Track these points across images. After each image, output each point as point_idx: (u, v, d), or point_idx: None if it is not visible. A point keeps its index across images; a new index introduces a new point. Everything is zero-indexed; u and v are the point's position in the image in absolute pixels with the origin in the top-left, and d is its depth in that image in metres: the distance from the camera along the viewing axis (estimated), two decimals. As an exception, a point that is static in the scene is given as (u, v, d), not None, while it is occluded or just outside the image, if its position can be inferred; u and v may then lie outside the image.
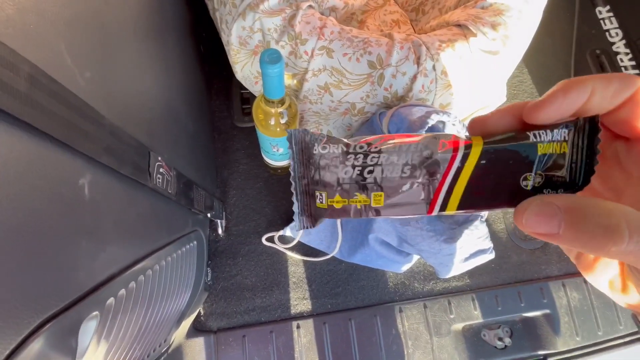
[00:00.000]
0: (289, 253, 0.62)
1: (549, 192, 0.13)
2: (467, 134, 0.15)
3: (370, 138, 0.15)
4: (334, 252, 0.60)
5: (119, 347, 0.29)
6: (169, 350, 0.49)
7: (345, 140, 0.15)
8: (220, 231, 0.62)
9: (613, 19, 0.66)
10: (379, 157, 0.14)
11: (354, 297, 0.61)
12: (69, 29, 0.22)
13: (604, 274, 0.14)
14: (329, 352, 0.58)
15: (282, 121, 0.46)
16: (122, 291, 0.27)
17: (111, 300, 0.25)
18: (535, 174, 0.13)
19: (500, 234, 0.67)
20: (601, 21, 0.67)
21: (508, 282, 0.64)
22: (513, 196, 0.13)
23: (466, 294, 0.62)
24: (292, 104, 0.45)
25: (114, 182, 0.26)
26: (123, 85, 0.29)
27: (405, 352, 0.59)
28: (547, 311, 0.62)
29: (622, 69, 0.65)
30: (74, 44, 0.22)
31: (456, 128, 0.45)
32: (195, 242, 0.47)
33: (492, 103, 0.56)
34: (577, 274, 0.65)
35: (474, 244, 0.45)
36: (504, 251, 0.65)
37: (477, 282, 0.63)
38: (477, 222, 0.44)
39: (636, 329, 0.62)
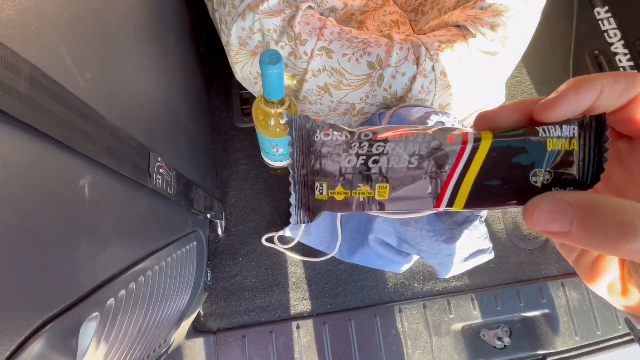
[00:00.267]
0: (289, 253, 0.62)
1: (557, 190, 0.13)
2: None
3: (376, 127, 0.14)
4: (334, 253, 0.60)
5: (119, 348, 0.29)
6: (169, 351, 0.49)
7: (349, 127, 0.14)
8: (220, 231, 0.62)
9: (611, 20, 0.66)
10: (385, 146, 0.14)
11: (354, 297, 0.61)
12: (69, 29, 0.22)
13: (604, 277, 0.14)
14: (328, 352, 0.58)
15: (282, 122, 0.46)
16: (122, 292, 0.27)
17: (111, 301, 0.25)
18: (545, 170, 0.13)
19: (500, 234, 0.67)
20: (600, 21, 0.67)
21: (507, 282, 0.64)
22: (522, 193, 0.13)
23: (465, 294, 0.62)
24: (291, 104, 0.46)
25: (114, 183, 0.26)
26: (123, 85, 0.29)
27: (405, 352, 0.59)
28: (546, 311, 0.62)
29: (621, 69, 0.65)
30: (74, 45, 0.22)
31: (455, 128, 0.45)
32: (195, 243, 0.47)
33: (491, 103, 0.57)
34: (576, 274, 0.65)
35: (473, 244, 0.45)
36: (503, 251, 0.65)
37: (477, 282, 0.64)
38: (476, 222, 0.44)
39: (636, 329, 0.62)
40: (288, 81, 0.52)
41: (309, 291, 0.61)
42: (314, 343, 0.58)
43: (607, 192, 0.14)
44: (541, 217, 0.12)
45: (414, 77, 0.48)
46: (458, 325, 0.61)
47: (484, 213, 0.49)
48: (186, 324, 0.54)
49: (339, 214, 0.54)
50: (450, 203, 0.14)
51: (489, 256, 0.46)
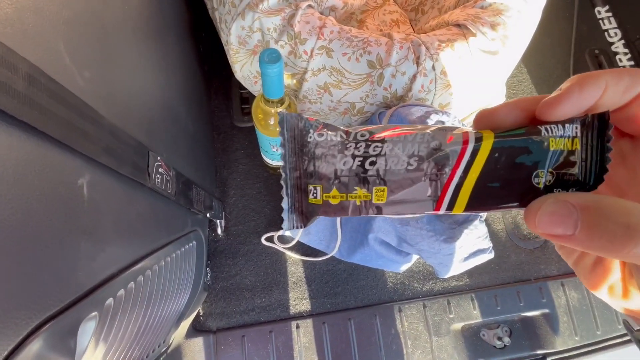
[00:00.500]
0: (289, 253, 0.62)
1: (560, 191, 0.13)
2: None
3: (372, 127, 0.13)
4: (334, 252, 0.60)
5: (117, 348, 0.29)
6: (168, 351, 0.49)
7: (345, 127, 0.14)
8: (219, 231, 0.62)
9: (612, 19, 0.66)
10: (382, 146, 0.13)
11: (354, 297, 0.61)
12: (68, 28, 0.22)
13: (604, 280, 0.14)
14: (328, 351, 0.58)
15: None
16: (121, 291, 0.27)
17: (110, 300, 0.25)
18: (547, 171, 0.13)
19: (500, 233, 0.67)
20: (600, 21, 0.67)
21: (507, 281, 0.64)
22: (524, 195, 0.13)
23: (465, 294, 0.62)
24: (291, 103, 0.45)
25: (113, 182, 0.26)
26: (122, 85, 0.29)
27: (405, 352, 0.59)
28: (546, 311, 0.62)
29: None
30: (73, 44, 0.22)
31: (456, 128, 0.45)
32: (194, 242, 0.47)
33: (491, 103, 0.56)
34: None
35: (473, 244, 0.45)
36: (503, 251, 0.65)
37: (477, 282, 0.64)
38: (476, 222, 0.44)
39: (636, 329, 0.62)
40: (288, 80, 0.52)
41: (309, 291, 0.61)
42: (314, 343, 0.58)
43: (608, 192, 0.14)
44: (544, 220, 0.11)
45: (414, 77, 0.48)
46: (458, 325, 0.61)
47: (484, 213, 0.49)
48: (186, 323, 0.54)
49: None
50: (450, 206, 0.13)
51: (489, 256, 0.46)
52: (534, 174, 0.13)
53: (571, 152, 0.12)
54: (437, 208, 0.13)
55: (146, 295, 0.32)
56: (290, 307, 0.60)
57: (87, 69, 0.23)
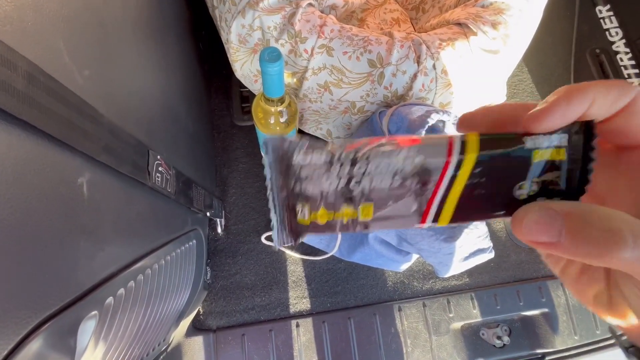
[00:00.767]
0: (289, 252, 0.62)
1: (544, 200, 0.13)
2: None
3: (356, 143, 0.13)
4: (334, 251, 0.60)
5: (117, 346, 0.29)
6: (168, 349, 0.49)
7: (329, 146, 0.13)
8: (219, 230, 0.62)
9: (613, 18, 0.66)
10: (367, 165, 0.13)
11: (353, 296, 0.61)
12: (68, 26, 0.21)
13: (590, 288, 0.14)
14: (328, 350, 0.58)
15: (282, 120, 0.45)
16: (121, 290, 0.27)
17: (110, 299, 0.25)
18: (531, 182, 0.13)
19: (500, 233, 0.67)
20: (601, 20, 0.67)
21: (507, 281, 0.64)
22: (508, 205, 0.13)
23: (465, 293, 0.62)
24: (291, 102, 0.45)
25: (113, 181, 0.26)
26: (122, 83, 0.29)
27: (404, 351, 0.59)
28: (546, 310, 0.62)
29: (622, 68, 0.65)
30: (72, 42, 0.22)
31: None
32: (194, 241, 0.47)
33: (492, 102, 0.56)
34: (575, 273, 0.65)
35: (473, 243, 0.45)
36: (503, 250, 0.65)
37: (476, 281, 0.64)
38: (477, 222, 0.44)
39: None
40: (288, 79, 0.52)
41: (309, 290, 0.61)
42: (314, 341, 0.58)
43: (591, 202, 0.14)
44: (529, 227, 0.11)
45: (414, 76, 0.48)
46: (457, 324, 0.61)
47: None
48: (186, 322, 0.54)
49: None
50: (435, 219, 0.13)
51: (489, 255, 0.46)
52: (518, 185, 0.13)
53: (556, 163, 0.13)
54: (423, 222, 0.13)
55: (146, 294, 0.32)
56: (290, 306, 0.60)
57: (86, 68, 0.23)
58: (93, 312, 0.23)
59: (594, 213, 0.11)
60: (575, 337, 0.61)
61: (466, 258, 0.46)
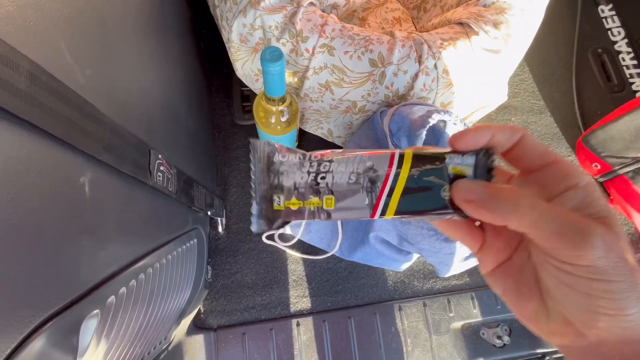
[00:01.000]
0: (289, 251, 0.62)
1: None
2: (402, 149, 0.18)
3: (325, 152, 0.17)
4: (334, 251, 0.60)
5: (119, 345, 0.29)
6: (169, 348, 0.50)
7: (302, 151, 0.17)
8: (220, 229, 0.62)
9: (615, 18, 0.66)
10: (330, 165, 0.17)
11: (354, 295, 0.62)
12: (69, 25, 0.21)
13: (528, 302, 0.16)
14: (328, 349, 0.58)
15: (283, 119, 0.45)
16: (123, 289, 0.27)
17: (112, 298, 0.25)
18: (449, 187, 0.17)
19: (500, 232, 0.67)
20: (603, 19, 0.67)
21: (507, 280, 0.64)
22: (437, 203, 0.17)
23: (465, 293, 0.62)
24: (292, 102, 0.45)
25: (115, 180, 0.26)
26: (123, 82, 0.29)
27: (405, 350, 0.59)
28: (546, 310, 0.62)
29: (624, 68, 0.64)
30: (74, 41, 0.22)
31: (457, 127, 0.44)
32: (195, 240, 0.47)
33: (493, 102, 0.56)
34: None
35: (474, 243, 0.45)
36: (503, 250, 0.65)
37: (477, 281, 0.64)
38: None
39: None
40: (289, 78, 0.52)
41: (309, 289, 0.61)
42: (314, 340, 0.58)
43: None
44: (464, 189, 0.16)
45: (416, 75, 0.48)
46: (458, 324, 0.61)
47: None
48: (187, 321, 0.54)
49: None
50: (382, 213, 0.17)
51: (490, 255, 0.46)
52: (442, 189, 0.17)
53: (466, 176, 0.17)
54: (373, 215, 0.17)
55: (147, 293, 0.32)
56: (291, 305, 0.60)
57: (88, 67, 0.23)
58: (95, 311, 0.23)
59: (500, 187, 0.16)
60: (576, 337, 0.61)
61: (467, 258, 0.46)
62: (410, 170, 0.17)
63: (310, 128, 0.62)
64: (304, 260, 0.63)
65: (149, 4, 0.37)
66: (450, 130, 0.45)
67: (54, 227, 0.20)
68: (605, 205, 0.15)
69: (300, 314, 0.60)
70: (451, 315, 0.61)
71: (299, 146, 0.65)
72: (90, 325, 0.23)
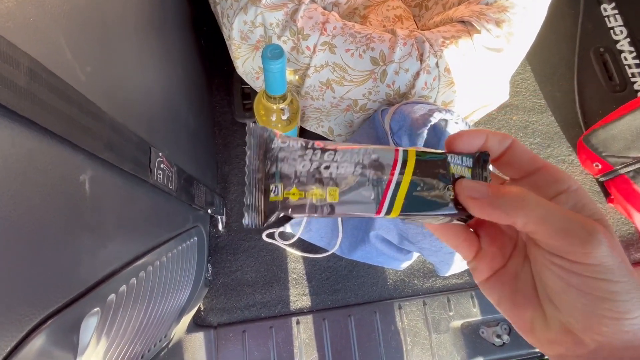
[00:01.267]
0: (289, 249, 0.62)
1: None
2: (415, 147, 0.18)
3: (327, 142, 0.16)
4: (334, 249, 0.60)
5: (119, 343, 0.29)
6: (170, 345, 0.50)
7: (303, 139, 0.16)
8: (220, 227, 0.62)
9: (618, 17, 0.65)
10: (334, 154, 0.16)
11: (354, 294, 0.62)
12: (69, 22, 0.21)
13: (525, 310, 0.16)
14: (328, 347, 0.58)
15: (284, 117, 0.45)
16: (123, 287, 0.27)
17: (112, 296, 0.25)
18: (452, 188, 0.17)
19: (501, 232, 0.67)
20: (606, 18, 0.66)
21: (507, 280, 0.64)
22: (441, 204, 0.17)
23: (465, 292, 0.62)
24: (293, 100, 0.45)
25: (115, 178, 0.26)
26: (123, 80, 0.29)
27: (404, 349, 0.59)
28: (546, 309, 0.62)
29: (626, 67, 0.64)
30: (74, 38, 0.22)
31: (458, 126, 0.44)
32: (195, 238, 0.47)
33: (494, 101, 0.56)
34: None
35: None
36: (503, 249, 0.65)
37: (477, 280, 0.64)
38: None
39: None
40: (290, 76, 0.51)
41: (309, 287, 0.61)
42: (314, 339, 0.59)
43: None
44: (469, 188, 0.16)
45: (417, 74, 0.48)
46: (457, 323, 0.61)
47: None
48: (187, 318, 0.54)
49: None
50: (389, 211, 0.16)
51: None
52: (446, 188, 0.17)
53: (464, 176, 0.17)
54: (379, 211, 0.16)
55: (148, 291, 0.32)
56: (291, 303, 0.61)
57: (88, 64, 0.23)
58: (95, 309, 0.23)
59: (504, 186, 0.16)
60: (575, 336, 0.62)
61: (467, 257, 0.46)
62: (414, 169, 0.16)
63: (311, 126, 0.62)
64: (304, 258, 0.63)
65: (149, 1, 0.36)
66: (452, 129, 0.45)
67: (54, 225, 0.20)
68: (598, 208, 0.15)
69: (300, 312, 0.60)
70: (451, 314, 0.61)
71: (300, 144, 0.65)
72: (90, 323, 0.23)
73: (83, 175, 0.22)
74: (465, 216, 0.17)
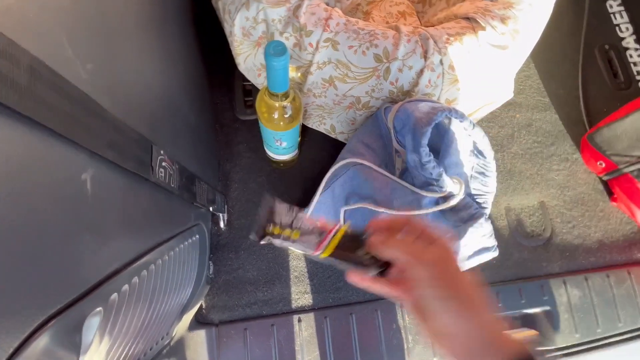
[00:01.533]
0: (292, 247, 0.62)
1: (368, 255, 0.29)
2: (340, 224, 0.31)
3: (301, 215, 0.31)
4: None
5: (122, 342, 0.29)
6: (171, 343, 0.50)
7: (293, 206, 0.30)
8: (222, 225, 0.62)
9: (624, 13, 0.65)
10: (301, 220, 0.30)
11: (356, 292, 0.62)
12: (70, 19, 0.21)
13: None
14: (329, 345, 0.58)
15: (286, 115, 0.45)
16: (126, 286, 0.27)
17: (114, 295, 0.25)
18: (364, 253, 0.29)
19: (502, 231, 0.67)
20: (611, 15, 0.66)
21: (509, 278, 0.64)
22: (357, 262, 0.30)
23: (467, 290, 0.62)
24: (296, 97, 0.45)
25: (117, 177, 0.25)
26: (125, 77, 0.29)
27: (406, 347, 0.59)
28: (547, 308, 0.62)
29: (632, 65, 0.64)
30: (75, 35, 0.21)
31: (462, 125, 0.44)
32: (197, 236, 0.47)
33: (499, 98, 0.56)
34: (578, 271, 0.65)
35: (478, 242, 0.45)
36: (505, 248, 0.65)
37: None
38: (481, 220, 0.43)
39: (636, 327, 0.62)
40: (292, 73, 0.51)
41: (311, 285, 0.61)
42: (315, 337, 0.59)
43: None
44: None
45: (421, 71, 0.47)
46: (459, 321, 0.61)
47: (488, 210, 0.49)
48: (188, 316, 0.54)
49: (342, 210, 0.53)
50: (323, 252, 0.29)
51: (494, 254, 0.46)
52: (360, 249, 0.29)
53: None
54: (316, 251, 0.29)
55: (150, 289, 0.32)
56: (292, 301, 0.61)
57: (89, 61, 0.22)
58: (98, 309, 0.23)
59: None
60: (576, 335, 0.62)
61: (470, 257, 0.46)
62: (341, 237, 0.29)
63: (313, 124, 0.61)
64: (306, 256, 0.63)
65: (150, -4, 0.36)
66: (455, 127, 0.44)
67: (56, 225, 0.19)
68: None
69: (302, 310, 0.60)
70: (452, 312, 0.61)
71: (302, 142, 0.65)
72: (93, 323, 0.23)
73: (84, 174, 0.22)
74: (377, 267, 0.29)
